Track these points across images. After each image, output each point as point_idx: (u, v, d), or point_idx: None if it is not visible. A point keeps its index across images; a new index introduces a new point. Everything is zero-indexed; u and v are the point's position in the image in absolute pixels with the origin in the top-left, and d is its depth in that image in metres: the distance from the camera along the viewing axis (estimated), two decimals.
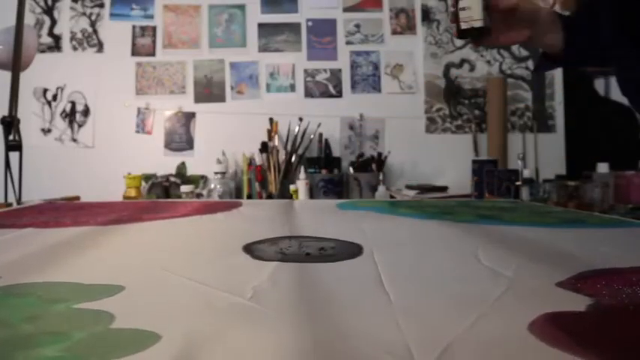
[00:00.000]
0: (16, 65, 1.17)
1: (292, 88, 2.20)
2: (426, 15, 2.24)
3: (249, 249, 0.52)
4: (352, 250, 0.51)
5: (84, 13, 2.22)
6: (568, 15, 0.75)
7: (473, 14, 0.71)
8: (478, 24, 0.71)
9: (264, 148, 2.06)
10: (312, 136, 2.08)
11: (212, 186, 2.06)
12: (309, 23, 2.23)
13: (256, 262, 0.47)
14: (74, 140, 2.19)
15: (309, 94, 2.20)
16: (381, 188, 1.97)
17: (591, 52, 0.73)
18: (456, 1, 0.73)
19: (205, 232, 0.66)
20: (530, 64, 2.17)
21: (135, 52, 2.21)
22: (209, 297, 0.35)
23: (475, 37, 0.74)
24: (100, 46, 2.21)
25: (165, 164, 2.17)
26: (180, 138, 2.20)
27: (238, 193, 2.11)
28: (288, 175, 2.02)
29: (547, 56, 0.77)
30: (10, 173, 1.12)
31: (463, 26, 0.73)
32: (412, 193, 1.93)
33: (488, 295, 0.35)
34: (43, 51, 2.15)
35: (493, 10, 0.72)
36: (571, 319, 0.30)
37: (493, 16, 0.72)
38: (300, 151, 2.04)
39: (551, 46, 0.74)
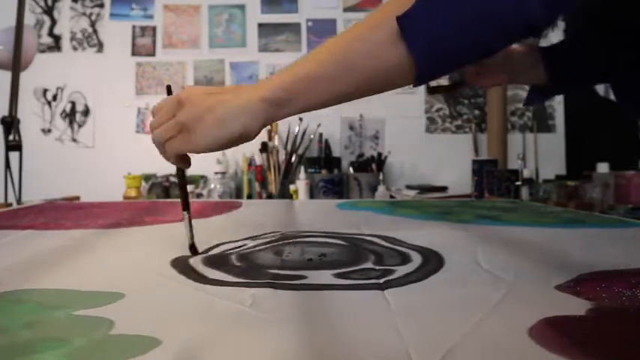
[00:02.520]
0: (16, 65, 1.17)
1: None
2: None
3: (248, 257, 0.52)
4: (354, 256, 0.51)
5: (84, 13, 2.21)
6: (550, 46, 0.69)
7: None
8: (445, 82, 0.70)
9: (264, 148, 2.06)
10: (312, 136, 2.07)
11: (212, 186, 2.06)
12: (309, 23, 2.23)
13: (258, 268, 0.47)
14: (74, 140, 2.19)
15: None
16: (381, 188, 1.97)
17: (583, 79, 0.69)
18: None
19: (204, 237, 0.66)
20: None
21: (135, 52, 2.21)
22: (209, 303, 0.35)
23: (448, 90, 0.73)
24: (100, 46, 2.21)
25: (165, 164, 2.15)
26: None
27: (238, 193, 2.11)
28: (288, 175, 2.02)
29: (536, 88, 0.70)
30: (10, 173, 1.12)
31: (432, 84, 0.72)
32: (412, 193, 1.93)
33: (487, 300, 0.35)
34: (43, 51, 2.15)
35: None
36: (571, 323, 0.30)
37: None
38: (300, 151, 2.04)
39: (536, 81, 0.68)
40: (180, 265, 0.47)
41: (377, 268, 0.45)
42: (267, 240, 0.59)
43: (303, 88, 0.47)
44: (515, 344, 0.27)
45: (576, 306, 0.33)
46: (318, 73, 0.47)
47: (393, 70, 0.47)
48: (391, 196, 1.95)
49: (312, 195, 1.98)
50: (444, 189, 1.99)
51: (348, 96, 0.50)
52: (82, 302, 0.34)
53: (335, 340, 0.27)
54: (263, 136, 2.08)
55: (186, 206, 0.54)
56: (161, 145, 0.50)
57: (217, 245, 0.56)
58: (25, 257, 0.50)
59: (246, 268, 0.46)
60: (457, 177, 2.01)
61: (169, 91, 0.55)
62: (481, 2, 0.45)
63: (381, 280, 0.40)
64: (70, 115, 2.19)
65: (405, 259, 0.48)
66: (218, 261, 0.49)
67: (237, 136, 0.48)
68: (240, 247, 0.55)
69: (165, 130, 0.49)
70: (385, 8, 0.48)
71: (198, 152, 0.49)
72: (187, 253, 0.51)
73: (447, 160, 2.12)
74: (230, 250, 0.54)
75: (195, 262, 0.48)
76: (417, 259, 0.49)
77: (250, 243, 0.57)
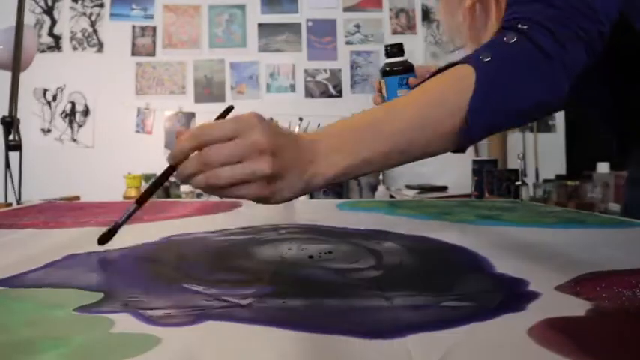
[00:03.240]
0: (16, 65, 1.17)
1: (292, 88, 2.20)
2: (426, 15, 2.24)
3: (249, 254, 0.52)
4: (352, 254, 0.51)
5: (84, 13, 2.21)
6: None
7: None
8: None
9: None
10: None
11: None
12: (309, 23, 2.23)
13: (257, 266, 0.47)
14: (74, 140, 2.19)
15: (309, 94, 2.20)
16: (381, 188, 1.97)
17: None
18: None
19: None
20: None
21: (135, 52, 2.21)
22: (208, 301, 0.35)
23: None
24: (100, 46, 2.21)
25: (165, 164, 2.16)
26: None
27: None
28: None
29: None
30: (10, 173, 1.12)
31: None
32: (412, 193, 1.93)
33: (488, 299, 0.35)
34: (43, 51, 2.15)
35: None
36: (571, 323, 0.30)
37: None
38: None
39: None
40: (178, 262, 0.47)
41: (377, 267, 0.45)
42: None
43: (362, 169, 0.50)
44: (516, 344, 0.27)
45: (576, 306, 0.33)
46: (376, 161, 0.51)
47: (442, 151, 0.55)
48: (391, 196, 1.95)
49: (312, 195, 1.98)
50: (444, 189, 1.99)
51: (395, 166, 0.56)
52: (82, 301, 0.34)
53: (335, 340, 0.27)
54: None
55: (141, 201, 0.48)
56: (218, 186, 0.44)
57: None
58: (26, 255, 0.50)
59: (245, 264, 0.46)
60: (457, 177, 2.01)
61: (228, 113, 0.50)
62: (533, 96, 0.55)
63: (381, 280, 0.40)
64: (70, 115, 2.19)
65: (404, 259, 0.48)
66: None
67: (313, 192, 0.53)
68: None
69: (235, 175, 0.43)
70: (438, 95, 0.55)
71: (271, 202, 0.47)
72: (186, 251, 0.51)
73: (447, 160, 2.11)
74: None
75: (194, 258, 0.48)
76: (416, 259, 0.49)
77: (251, 242, 0.57)
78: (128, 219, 0.46)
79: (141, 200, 0.47)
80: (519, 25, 0.55)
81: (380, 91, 0.75)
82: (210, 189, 0.44)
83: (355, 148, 0.50)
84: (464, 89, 0.53)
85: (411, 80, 0.72)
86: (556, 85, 0.55)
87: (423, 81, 0.57)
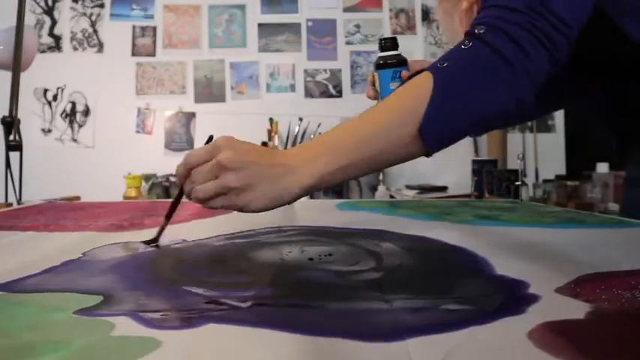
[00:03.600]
0: (17, 65, 1.17)
1: (292, 88, 2.21)
2: (426, 15, 2.24)
3: (250, 256, 0.52)
4: (352, 256, 0.51)
5: (84, 14, 2.21)
6: None
7: None
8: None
9: None
10: (312, 136, 2.08)
11: None
12: (309, 23, 2.23)
13: (258, 269, 0.47)
14: (74, 140, 2.19)
15: (309, 94, 2.20)
16: (381, 188, 1.97)
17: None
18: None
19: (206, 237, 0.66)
20: None
21: (135, 52, 2.21)
22: (208, 304, 0.35)
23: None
24: (100, 47, 2.21)
25: (165, 164, 2.17)
26: (181, 138, 2.20)
27: None
28: None
29: None
30: (11, 173, 1.12)
31: None
32: (412, 193, 1.93)
33: (487, 302, 0.35)
34: (43, 51, 2.15)
35: None
36: (570, 326, 0.30)
37: None
38: None
39: None
40: (180, 264, 0.47)
41: (377, 269, 0.45)
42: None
43: (337, 177, 0.55)
44: (515, 347, 0.27)
45: (576, 308, 0.33)
46: (351, 168, 0.55)
47: (410, 156, 0.57)
48: (391, 196, 1.96)
49: (312, 195, 1.98)
50: (444, 189, 1.99)
51: (363, 175, 0.58)
52: (82, 304, 0.34)
53: (335, 343, 0.28)
54: (263, 136, 2.08)
55: (169, 215, 0.60)
56: (201, 199, 0.53)
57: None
58: (26, 259, 0.50)
59: (246, 267, 0.46)
60: (457, 177, 2.01)
61: (209, 141, 0.57)
62: (491, 102, 0.55)
63: (381, 282, 0.41)
64: (71, 115, 2.19)
65: (404, 261, 0.48)
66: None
67: (281, 206, 0.54)
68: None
69: (208, 190, 0.52)
70: (400, 102, 0.57)
71: (240, 211, 0.53)
72: (188, 253, 0.51)
73: (447, 160, 2.12)
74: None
75: (195, 260, 0.48)
76: (416, 261, 0.49)
77: (251, 245, 0.57)
78: (161, 233, 0.58)
79: (169, 214, 0.59)
80: (476, 31, 0.55)
81: (373, 84, 0.77)
82: (200, 202, 0.53)
83: (328, 157, 0.54)
84: (421, 96, 0.54)
85: (404, 74, 0.73)
86: (517, 92, 0.54)
87: (412, 76, 0.59)
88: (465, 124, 0.56)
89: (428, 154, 0.57)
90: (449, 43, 0.73)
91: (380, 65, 0.75)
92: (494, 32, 0.54)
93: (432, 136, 0.54)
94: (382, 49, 0.76)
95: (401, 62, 0.74)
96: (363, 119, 0.58)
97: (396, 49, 0.75)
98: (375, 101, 0.76)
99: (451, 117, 0.55)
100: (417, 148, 0.55)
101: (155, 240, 0.57)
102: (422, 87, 0.55)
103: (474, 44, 0.54)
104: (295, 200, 0.54)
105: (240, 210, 0.52)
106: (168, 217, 0.59)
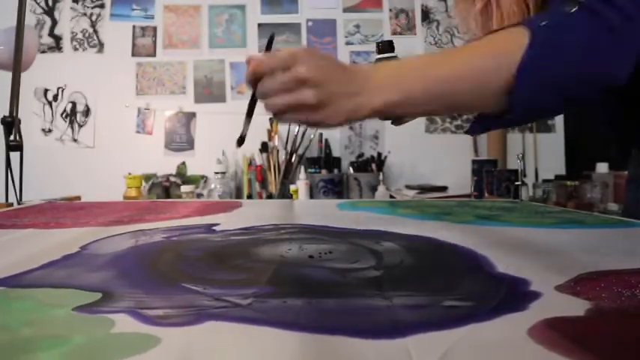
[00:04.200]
0: (17, 65, 1.17)
1: None
2: (426, 15, 2.24)
3: (249, 254, 0.52)
4: (352, 254, 0.51)
5: (84, 14, 2.22)
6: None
7: None
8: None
9: (265, 148, 2.06)
10: (312, 136, 2.08)
11: (212, 186, 2.06)
12: (309, 23, 2.23)
13: (258, 266, 0.47)
14: (75, 140, 2.19)
15: None
16: (381, 188, 1.97)
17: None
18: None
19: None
20: None
21: (135, 52, 2.21)
22: (208, 301, 0.35)
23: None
24: (100, 47, 2.21)
25: (165, 164, 2.17)
26: (181, 138, 2.20)
27: (238, 193, 2.11)
28: (288, 175, 2.02)
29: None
30: (11, 173, 1.12)
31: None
32: (412, 193, 1.93)
33: (487, 299, 0.35)
34: (43, 51, 2.15)
35: None
36: (570, 323, 0.30)
37: None
38: (300, 151, 2.05)
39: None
40: (180, 262, 0.47)
41: (376, 267, 0.45)
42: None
43: (406, 107, 0.53)
44: (515, 344, 0.27)
45: (576, 306, 0.33)
46: (424, 101, 0.53)
47: (488, 109, 0.54)
48: (391, 196, 1.96)
49: (312, 195, 1.98)
50: (443, 189, 1.99)
51: (441, 111, 0.56)
52: (82, 301, 0.34)
53: (335, 340, 0.28)
54: (263, 135, 2.08)
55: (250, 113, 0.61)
56: (273, 112, 0.54)
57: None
58: (26, 255, 0.50)
59: (246, 264, 0.46)
60: (457, 177, 2.01)
61: (271, 43, 0.57)
62: (586, 66, 0.51)
63: (381, 280, 0.41)
64: (71, 115, 2.19)
65: (404, 259, 0.48)
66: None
67: (359, 121, 0.57)
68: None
69: (285, 105, 0.52)
70: (496, 43, 0.53)
71: (319, 126, 0.54)
72: (187, 250, 0.52)
73: (447, 160, 2.12)
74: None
75: (196, 257, 0.48)
76: (416, 259, 0.49)
77: (252, 243, 0.57)
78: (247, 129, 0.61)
79: (249, 113, 0.61)
80: None
81: None
82: (272, 114, 0.54)
83: (402, 84, 0.53)
84: (516, 47, 0.51)
85: None
86: (618, 60, 0.51)
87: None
88: (557, 89, 0.52)
89: (509, 122, 0.54)
90: (464, 34, 0.73)
91: None
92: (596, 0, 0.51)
93: (523, 90, 0.51)
94: (379, 51, 0.78)
95: None
96: (447, 55, 0.56)
97: (393, 52, 0.77)
98: None
99: (546, 75, 0.51)
100: (495, 102, 0.52)
101: (242, 137, 0.60)
102: (517, 39, 0.52)
103: (580, 9, 0.52)
104: (377, 116, 0.54)
105: (317, 126, 0.54)
106: (250, 115, 0.60)
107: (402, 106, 0.53)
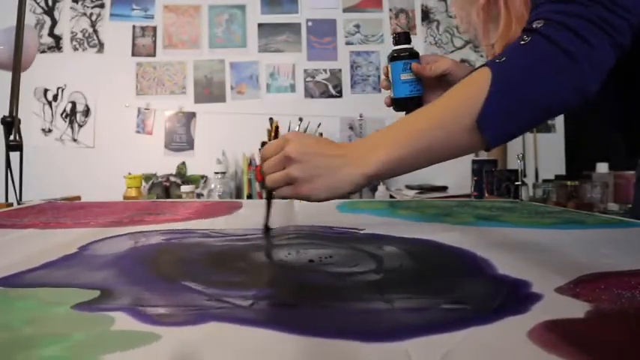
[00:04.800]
0: (17, 65, 1.17)
1: (292, 88, 2.21)
2: (426, 15, 2.24)
3: (249, 257, 0.52)
4: (352, 258, 0.51)
5: (84, 14, 2.22)
6: None
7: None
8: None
9: None
10: None
11: (212, 186, 2.06)
12: (309, 23, 2.23)
13: (257, 269, 0.47)
14: (75, 140, 2.19)
15: (309, 94, 2.20)
16: (381, 188, 1.97)
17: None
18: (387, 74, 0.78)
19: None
20: None
21: (135, 52, 2.21)
22: (209, 301, 0.35)
23: (409, 106, 0.80)
24: (100, 47, 2.21)
25: (165, 164, 2.17)
26: (181, 138, 2.20)
27: (238, 193, 2.11)
28: None
29: None
30: (11, 173, 1.12)
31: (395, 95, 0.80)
32: (412, 193, 1.93)
33: (487, 301, 0.35)
34: (43, 51, 2.15)
35: (423, 77, 0.77)
36: (570, 325, 0.30)
37: (427, 82, 0.78)
38: None
39: None
40: (179, 264, 0.47)
41: (376, 271, 0.45)
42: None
43: (394, 168, 0.58)
44: (516, 347, 0.27)
45: (576, 308, 0.33)
46: (407, 159, 0.58)
47: (467, 149, 0.59)
48: (391, 196, 1.96)
49: None
50: (443, 189, 1.99)
51: (424, 167, 0.61)
52: (82, 299, 0.34)
53: (334, 344, 0.28)
54: (263, 136, 2.08)
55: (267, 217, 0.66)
56: (270, 188, 0.60)
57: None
58: (26, 255, 0.50)
59: (245, 268, 0.46)
60: (457, 177, 2.01)
61: (276, 131, 0.65)
62: (548, 95, 0.54)
63: (381, 283, 0.41)
64: (71, 115, 2.19)
65: (404, 262, 0.48)
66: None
67: (342, 197, 0.60)
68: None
69: (276, 180, 0.58)
70: (458, 95, 0.58)
71: (306, 200, 0.59)
72: (187, 252, 0.52)
73: (447, 160, 2.12)
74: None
75: (196, 259, 0.48)
76: (417, 262, 0.49)
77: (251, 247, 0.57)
78: (268, 217, 0.65)
79: (268, 201, 0.65)
80: (534, 25, 0.55)
81: (387, 75, 0.82)
82: (271, 190, 0.60)
83: (386, 148, 0.57)
84: (479, 89, 0.55)
85: (414, 66, 0.78)
86: (579, 82, 0.54)
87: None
88: (526, 116, 0.56)
89: (487, 148, 0.57)
90: (464, 33, 0.75)
91: (393, 58, 0.80)
92: (553, 25, 0.54)
93: (491, 128, 0.54)
94: (396, 42, 0.80)
95: (412, 55, 0.79)
96: (421, 113, 0.60)
97: (409, 43, 0.80)
98: (389, 91, 0.82)
99: (510, 109, 0.55)
100: (475, 142, 0.56)
101: (267, 226, 0.64)
102: (480, 81, 0.55)
103: (533, 39, 0.54)
104: (356, 190, 0.59)
105: (306, 199, 0.58)
106: (269, 204, 0.65)
107: (393, 167, 0.58)
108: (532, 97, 0.54)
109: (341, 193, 0.58)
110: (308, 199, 0.58)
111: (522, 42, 0.55)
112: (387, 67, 0.82)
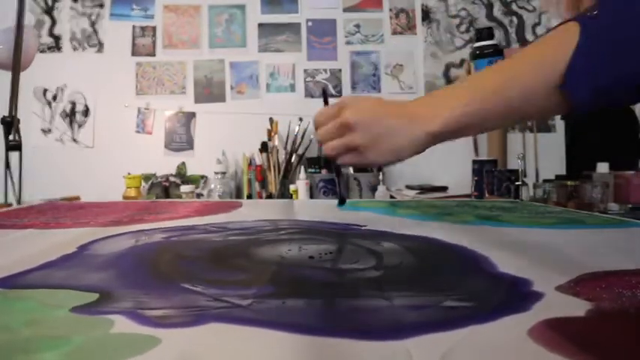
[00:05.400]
0: (16, 65, 1.17)
1: (292, 88, 2.20)
2: (426, 15, 2.24)
3: (249, 254, 0.52)
4: (352, 255, 0.51)
5: (84, 13, 2.21)
6: None
7: None
8: None
9: (264, 148, 2.06)
10: (312, 136, 2.08)
11: (212, 186, 2.06)
12: (309, 23, 2.23)
13: (257, 267, 0.47)
14: (74, 140, 2.19)
15: (309, 94, 2.20)
16: (381, 188, 1.97)
17: None
18: None
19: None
20: None
21: (135, 52, 2.21)
22: (208, 302, 0.35)
23: None
24: (100, 46, 2.21)
25: (165, 164, 2.17)
26: (181, 138, 2.20)
27: (238, 193, 2.11)
28: (288, 175, 2.02)
29: None
30: (10, 173, 1.12)
31: None
32: (412, 193, 1.93)
33: (487, 300, 0.35)
34: (43, 51, 2.15)
35: None
36: (571, 324, 0.30)
37: None
38: (300, 151, 2.04)
39: None
40: (180, 263, 0.47)
41: (377, 267, 0.45)
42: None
43: (465, 126, 0.52)
44: (516, 345, 0.27)
45: (576, 307, 0.33)
46: (480, 113, 0.51)
47: (552, 111, 0.54)
48: (391, 196, 1.96)
49: (312, 195, 1.98)
50: (444, 189, 1.99)
51: (501, 127, 0.54)
52: (81, 301, 0.34)
53: (334, 342, 0.27)
54: (263, 136, 2.08)
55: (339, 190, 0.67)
56: (330, 156, 0.58)
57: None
58: (26, 255, 0.50)
59: (245, 265, 0.46)
60: (457, 177, 2.01)
61: (325, 95, 0.63)
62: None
63: (381, 280, 0.41)
64: (70, 115, 2.19)
65: (405, 259, 0.48)
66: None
67: (406, 158, 0.56)
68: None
69: (336, 148, 0.56)
70: (541, 47, 0.51)
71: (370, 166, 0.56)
72: (187, 251, 0.51)
73: (447, 160, 2.12)
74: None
75: (196, 258, 0.48)
76: (417, 260, 0.49)
77: (251, 243, 0.57)
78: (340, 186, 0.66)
79: (337, 172, 0.67)
80: None
81: (469, 73, 0.78)
82: (330, 158, 0.58)
83: (454, 104, 0.52)
84: (565, 43, 0.49)
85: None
86: None
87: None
88: (617, 79, 0.48)
89: (577, 109, 0.50)
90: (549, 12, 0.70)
91: (476, 55, 0.76)
92: None
93: (579, 88, 0.48)
94: (478, 39, 0.77)
95: (497, 52, 0.75)
96: (496, 67, 0.54)
97: (492, 39, 0.76)
98: None
99: (604, 64, 0.48)
100: (559, 102, 0.50)
101: (342, 197, 0.63)
102: (566, 35, 0.49)
103: None
104: (421, 150, 0.55)
105: (370, 165, 0.55)
106: (338, 174, 0.64)
107: (457, 123, 0.52)
108: (628, 60, 0.46)
109: (406, 154, 0.55)
110: (372, 165, 0.57)
111: None
112: (469, 64, 0.80)
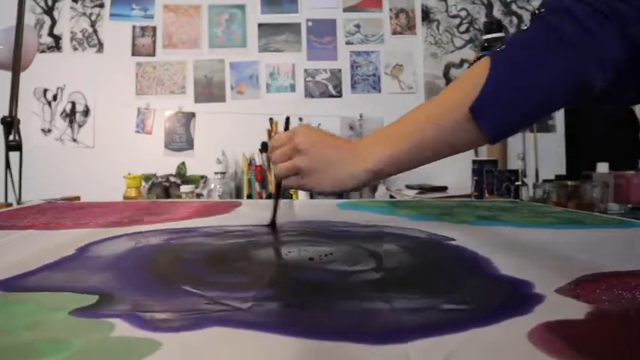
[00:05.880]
0: (17, 65, 1.17)
1: (292, 88, 2.20)
2: (426, 15, 2.24)
3: (249, 256, 0.52)
4: (353, 257, 0.51)
5: (84, 13, 2.21)
6: None
7: None
8: None
9: (264, 148, 2.06)
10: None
11: (212, 186, 2.06)
12: (309, 23, 2.23)
13: (257, 269, 0.47)
14: (74, 140, 2.19)
15: (309, 94, 2.20)
16: (381, 188, 1.97)
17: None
18: None
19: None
20: None
21: (135, 52, 2.21)
22: (208, 305, 0.35)
23: None
24: (100, 46, 2.21)
25: (165, 164, 2.17)
26: (180, 138, 2.20)
27: (238, 193, 2.11)
28: None
29: None
30: (11, 173, 1.12)
31: None
32: (412, 193, 1.93)
33: (487, 302, 0.35)
34: (43, 51, 2.15)
35: None
36: (571, 327, 0.30)
37: None
38: None
39: None
40: (178, 265, 0.47)
41: (377, 269, 0.45)
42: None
43: (395, 165, 0.58)
44: (516, 348, 0.27)
45: (576, 309, 0.33)
46: (403, 155, 0.58)
47: (469, 143, 0.58)
48: (391, 196, 1.95)
49: (312, 195, 1.97)
50: (444, 189, 1.99)
51: (429, 162, 0.61)
52: (81, 304, 0.34)
53: (335, 343, 0.27)
54: (263, 136, 2.08)
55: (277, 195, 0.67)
56: (278, 177, 0.62)
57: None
58: (26, 257, 0.50)
59: (246, 267, 0.46)
60: (457, 177, 2.01)
61: (287, 123, 0.69)
62: (544, 82, 0.52)
63: (381, 282, 0.40)
64: (70, 115, 2.19)
65: (405, 261, 0.48)
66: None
67: (349, 191, 0.60)
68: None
69: (283, 169, 0.60)
70: (456, 86, 0.57)
71: (314, 192, 0.60)
72: (187, 252, 0.51)
73: (447, 160, 2.11)
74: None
75: (195, 259, 0.48)
76: (417, 261, 0.49)
77: (252, 245, 0.57)
78: (276, 211, 0.66)
79: (277, 195, 0.68)
80: (537, 12, 0.54)
81: (473, 62, 0.79)
82: (278, 179, 0.62)
83: (388, 142, 0.58)
84: (477, 79, 0.54)
85: None
86: (578, 67, 0.50)
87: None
88: (524, 105, 0.53)
89: (491, 140, 0.55)
90: None
91: (485, 47, 0.77)
92: (554, 11, 0.52)
93: (488, 117, 0.53)
94: (487, 31, 0.78)
95: None
96: (421, 107, 0.60)
97: (501, 32, 0.77)
98: None
99: (508, 97, 0.53)
100: (476, 134, 0.54)
101: (272, 223, 0.65)
102: (480, 70, 0.54)
103: (533, 24, 0.53)
104: (360, 186, 0.59)
105: (310, 190, 0.60)
106: (277, 197, 0.67)
107: (391, 161, 0.58)
108: (529, 84, 0.52)
109: (344, 187, 0.59)
110: (312, 190, 0.60)
111: (524, 27, 0.54)
112: (477, 58, 0.80)
